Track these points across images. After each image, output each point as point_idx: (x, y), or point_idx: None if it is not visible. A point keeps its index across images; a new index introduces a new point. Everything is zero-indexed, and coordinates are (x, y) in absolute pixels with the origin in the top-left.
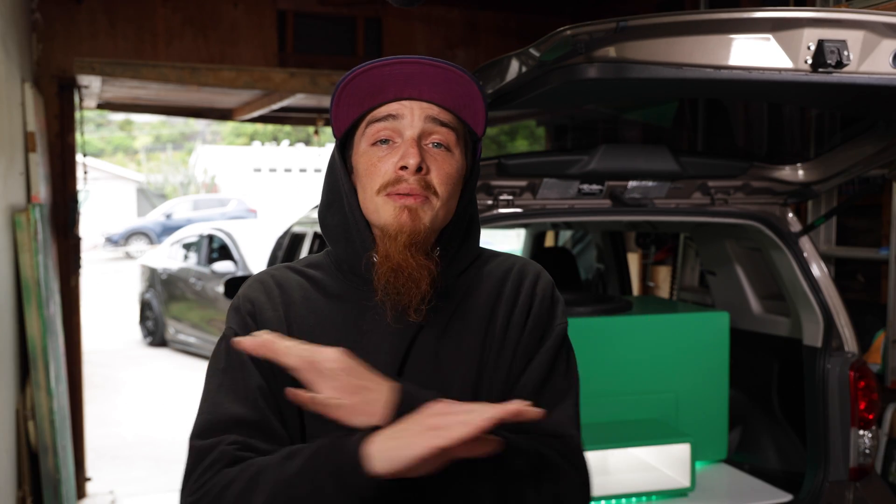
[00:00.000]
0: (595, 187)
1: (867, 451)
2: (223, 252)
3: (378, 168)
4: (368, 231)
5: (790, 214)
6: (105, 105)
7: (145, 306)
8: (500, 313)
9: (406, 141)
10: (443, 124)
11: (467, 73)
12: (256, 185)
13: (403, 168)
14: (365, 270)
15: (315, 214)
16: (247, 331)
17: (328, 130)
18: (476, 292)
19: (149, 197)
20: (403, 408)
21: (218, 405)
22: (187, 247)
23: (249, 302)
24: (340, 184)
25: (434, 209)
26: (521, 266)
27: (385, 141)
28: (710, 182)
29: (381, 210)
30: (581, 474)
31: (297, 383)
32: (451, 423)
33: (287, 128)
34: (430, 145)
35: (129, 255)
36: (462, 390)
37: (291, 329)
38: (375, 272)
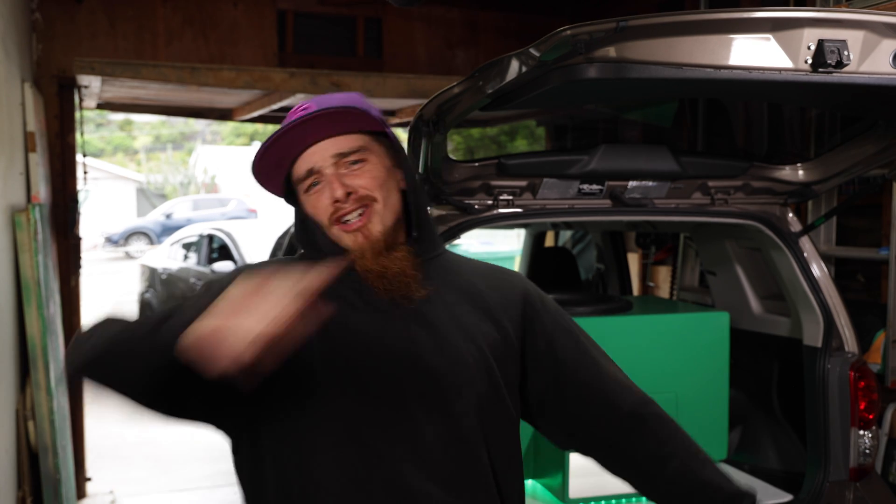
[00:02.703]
0: (595, 187)
1: (867, 451)
2: (223, 252)
3: (319, 207)
4: (337, 245)
5: (790, 214)
6: (105, 105)
7: (145, 306)
8: (496, 313)
9: (327, 179)
10: (349, 152)
11: (341, 106)
12: (257, 185)
13: (336, 201)
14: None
15: None
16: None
17: None
18: (457, 282)
19: (149, 197)
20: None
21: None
22: (187, 247)
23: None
24: (306, 222)
25: (379, 213)
26: (501, 272)
27: (316, 183)
28: (710, 182)
29: (341, 239)
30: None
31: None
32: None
33: None
34: (349, 164)
35: (129, 255)
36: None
37: None
38: (366, 278)
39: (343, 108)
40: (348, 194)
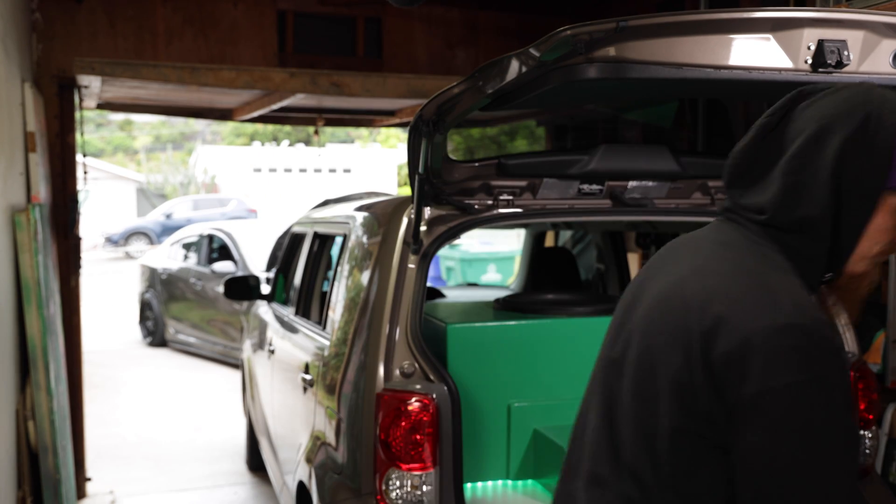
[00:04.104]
0: (595, 187)
1: (867, 451)
2: (223, 252)
3: (889, 237)
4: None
5: None
6: (105, 105)
7: (145, 306)
8: None
9: None
10: None
11: None
12: (256, 185)
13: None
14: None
15: (314, 214)
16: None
17: (328, 130)
18: None
19: (149, 197)
20: None
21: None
22: (187, 247)
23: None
24: (862, 215)
25: None
26: None
27: None
28: (710, 182)
29: (865, 265)
30: None
31: None
32: None
33: (287, 128)
34: None
35: (129, 255)
36: None
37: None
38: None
39: None
40: None
